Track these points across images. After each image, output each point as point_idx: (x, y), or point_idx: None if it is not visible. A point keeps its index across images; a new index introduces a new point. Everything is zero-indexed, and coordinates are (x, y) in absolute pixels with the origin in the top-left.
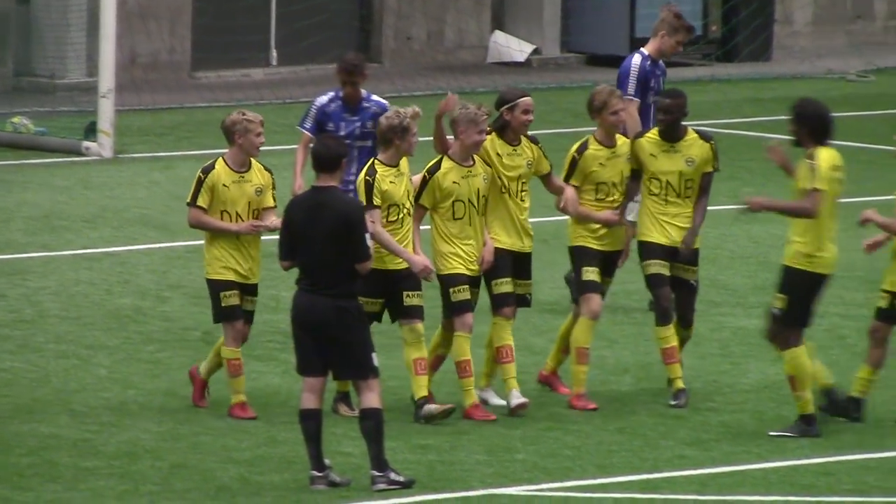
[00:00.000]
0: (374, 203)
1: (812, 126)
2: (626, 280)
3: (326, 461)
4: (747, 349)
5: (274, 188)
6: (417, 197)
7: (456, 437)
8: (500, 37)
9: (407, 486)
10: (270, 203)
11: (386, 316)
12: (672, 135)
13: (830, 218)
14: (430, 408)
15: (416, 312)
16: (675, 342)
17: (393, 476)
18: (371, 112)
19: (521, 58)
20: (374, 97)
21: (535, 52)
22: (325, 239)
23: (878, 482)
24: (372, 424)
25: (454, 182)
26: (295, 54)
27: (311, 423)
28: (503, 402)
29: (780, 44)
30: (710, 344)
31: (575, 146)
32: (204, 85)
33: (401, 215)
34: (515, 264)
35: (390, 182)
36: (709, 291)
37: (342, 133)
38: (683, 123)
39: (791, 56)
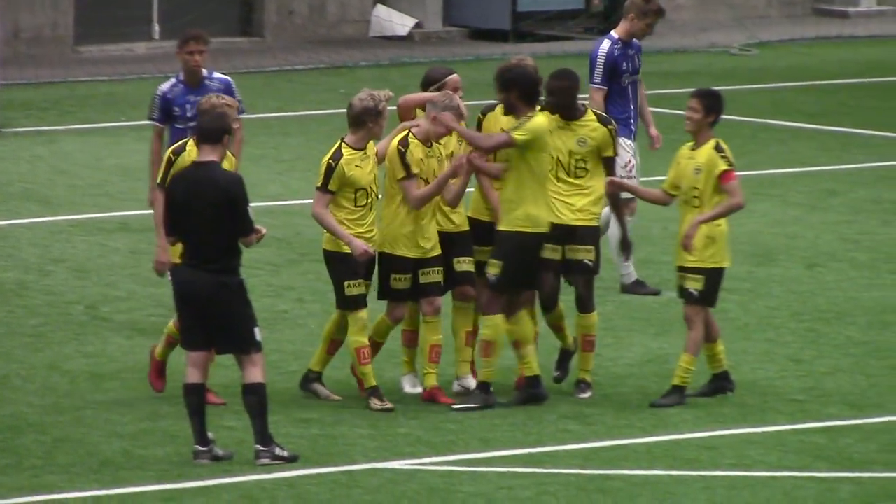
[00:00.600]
0: (329, 188)
1: (521, 90)
2: None
3: (210, 436)
4: (630, 323)
5: None
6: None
7: (338, 411)
8: (382, 11)
9: (291, 461)
10: None
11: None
12: (567, 114)
13: (544, 180)
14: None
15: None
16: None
17: (277, 451)
18: (215, 89)
19: (404, 32)
20: (217, 74)
21: (417, 25)
22: (205, 214)
23: (760, 456)
24: (255, 399)
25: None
26: (177, 28)
27: (194, 397)
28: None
29: (664, 18)
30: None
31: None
32: (87, 59)
33: (369, 200)
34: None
35: (356, 166)
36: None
37: (188, 115)
38: (584, 104)
39: (674, 30)
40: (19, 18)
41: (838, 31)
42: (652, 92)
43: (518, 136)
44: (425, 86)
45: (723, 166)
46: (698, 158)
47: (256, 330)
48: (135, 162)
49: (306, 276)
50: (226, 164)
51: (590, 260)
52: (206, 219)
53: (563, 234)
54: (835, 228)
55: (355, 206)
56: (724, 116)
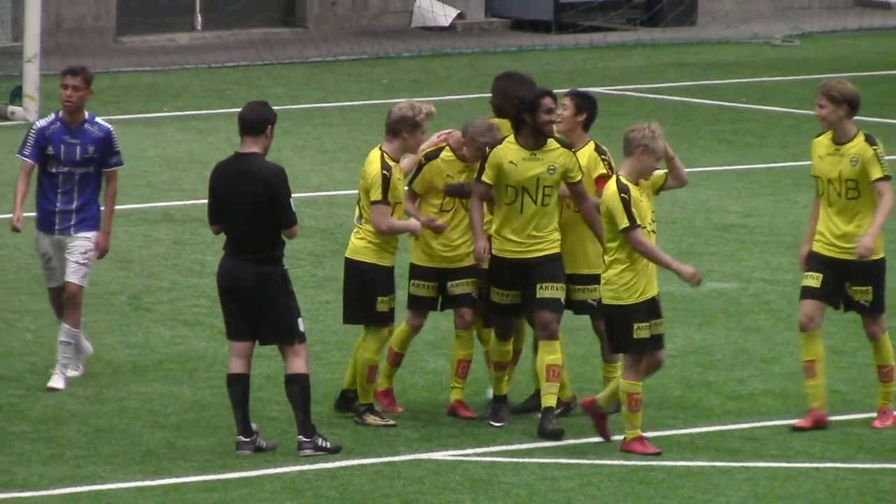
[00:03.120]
0: (388, 200)
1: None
2: None
3: (253, 426)
4: (673, 314)
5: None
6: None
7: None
8: (424, 1)
9: (334, 452)
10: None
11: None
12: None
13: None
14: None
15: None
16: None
17: (320, 442)
18: (93, 136)
19: (446, 22)
20: (99, 119)
21: (460, 16)
22: (247, 205)
23: (803, 448)
24: (298, 390)
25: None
26: (220, 19)
27: (238, 387)
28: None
29: (705, 8)
30: None
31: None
32: (129, 49)
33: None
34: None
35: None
36: None
37: (62, 158)
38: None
39: (716, 21)
40: (61, 9)
41: (881, 22)
42: (692, 83)
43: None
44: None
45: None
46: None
47: (300, 321)
48: (177, 153)
49: None
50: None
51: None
52: (248, 210)
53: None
54: None
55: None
56: (767, 108)
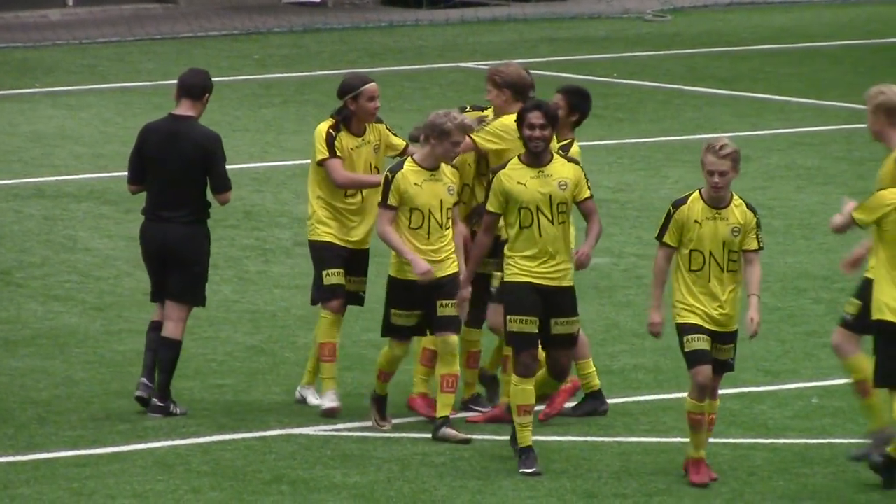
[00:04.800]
0: (388, 203)
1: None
2: None
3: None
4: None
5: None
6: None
7: (252, 378)
8: None
9: (179, 415)
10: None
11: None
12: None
13: None
14: (448, 432)
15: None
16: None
17: (172, 408)
18: None
19: None
20: None
21: None
22: (180, 167)
23: (675, 423)
24: (172, 355)
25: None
26: None
27: (155, 333)
28: (319, 402)
29: None
30: None
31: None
32: (1, 26)
33: (424, 223)
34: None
35: (415, 184)
36: None
37: None
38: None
39: None
40: None
41: None
42: (564, 58)
43: None
44: (341, 95)
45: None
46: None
47: (205, 286)
48: (49, 128)
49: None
50: None
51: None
52: (180, 172)
53: None
54: (749, 195)
55: (409, 227)
56: (638, 83)
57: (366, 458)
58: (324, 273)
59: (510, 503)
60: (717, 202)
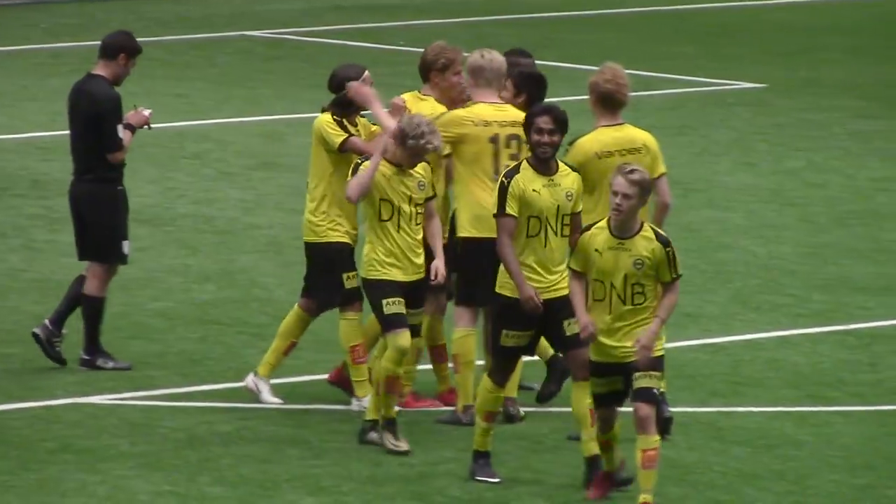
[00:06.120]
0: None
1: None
2: None
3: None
4: None
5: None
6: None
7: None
8: None
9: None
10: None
11: None
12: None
13: None
14: (374, 436)
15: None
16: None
17: (99, 361)
18: None
19: None
20: None
21: None
22: (78, 124)
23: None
24: (93, 312)
25: None
26: None
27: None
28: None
29: None
30: (293, 252)
31: None
32: None
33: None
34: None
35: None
36: (291, 199)
37: None
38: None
39: None
40: None
41: None
42: (350, 26)
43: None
44: (339, 87)
45: None
46: None
47: (125, 244)
48: None
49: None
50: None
51: None
52: (78, 128)
53: None
54: None
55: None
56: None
57: (152, 427)
58: (384, 302)
59: (296, 471)
60: (620, 230)
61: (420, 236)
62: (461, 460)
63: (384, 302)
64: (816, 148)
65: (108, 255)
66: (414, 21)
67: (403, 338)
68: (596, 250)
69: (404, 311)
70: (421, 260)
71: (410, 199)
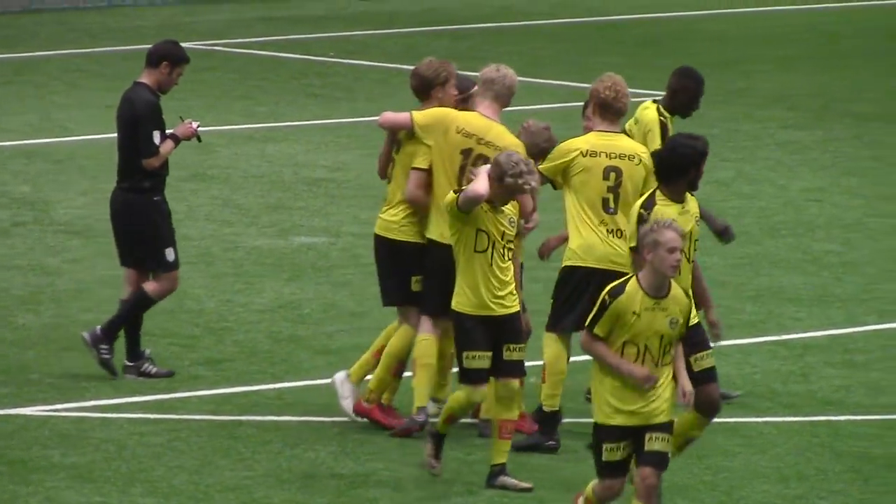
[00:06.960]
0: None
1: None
2: None
3: (146, 351)
4: (261, 269)
5: None
6: None
7: None
8: None
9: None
10: None
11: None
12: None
13: None
14: (508, 480)
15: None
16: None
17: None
18: None
19: None
20: None
21: None
22: (119, 131)
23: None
24: (133, 305)
25: None
26: None
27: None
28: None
29: None
30: (224, 264)
31: None
32: None
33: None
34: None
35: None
36: (222, 211)
37: None
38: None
39: None
40: None
41: None
42: (280, 38)
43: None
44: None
45: None
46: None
47: (168, 251)
48: None
49: None
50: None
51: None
52: (119, 136)
53: None
54: None
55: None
56: (355, 62)
57: (83, 439)
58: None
59: (227, 482)
60: (658, 290)
61: (512, 272)
62: (393, 470)
63: (465, 355)
64: (748, 159)
65: (149, 263)
66: (344, 32)
67: (479, 395)
68: (633, 312)
69: (488, 365)
70: (512, 294)
71: (503, 235)
